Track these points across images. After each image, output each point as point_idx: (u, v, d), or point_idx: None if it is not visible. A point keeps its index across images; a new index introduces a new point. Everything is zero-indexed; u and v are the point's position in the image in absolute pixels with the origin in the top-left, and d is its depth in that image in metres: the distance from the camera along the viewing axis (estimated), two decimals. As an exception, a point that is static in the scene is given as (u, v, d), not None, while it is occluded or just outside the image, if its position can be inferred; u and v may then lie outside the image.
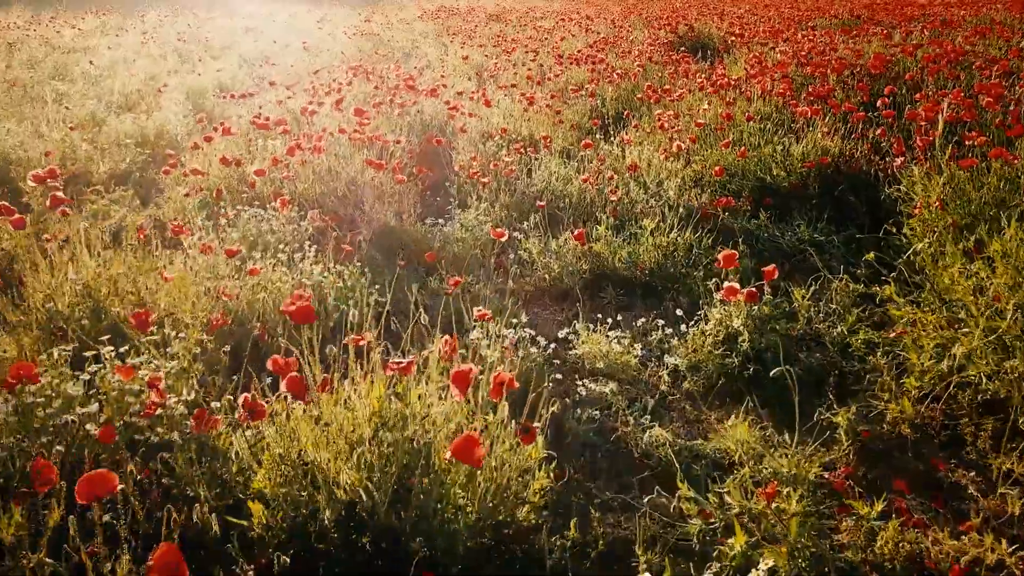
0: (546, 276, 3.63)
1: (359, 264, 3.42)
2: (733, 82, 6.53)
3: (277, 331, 2.75)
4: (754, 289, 2.97)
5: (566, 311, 3.48)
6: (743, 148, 4.69)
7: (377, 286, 3.19)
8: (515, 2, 26.06)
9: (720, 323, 2.90)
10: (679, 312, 3.28)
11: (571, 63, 8.76)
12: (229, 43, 13.68)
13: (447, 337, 2.06)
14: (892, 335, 3.12)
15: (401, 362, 1.66)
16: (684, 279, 3.58)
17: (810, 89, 5.66)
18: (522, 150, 5.10)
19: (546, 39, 13.47)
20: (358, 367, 1.89)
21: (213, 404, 2.07)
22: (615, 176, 4.51)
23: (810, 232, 4.19)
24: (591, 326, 3.08)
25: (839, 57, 6.53)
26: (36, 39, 11.87)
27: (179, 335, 2.38)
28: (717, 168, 4.56)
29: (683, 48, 9.82)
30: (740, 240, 3.96)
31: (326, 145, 4.28)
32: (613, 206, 4.24)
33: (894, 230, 3.82)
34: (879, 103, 5.02)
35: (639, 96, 6.68)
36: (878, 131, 4.70)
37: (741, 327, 2.85)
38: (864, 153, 4.66)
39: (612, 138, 6.39)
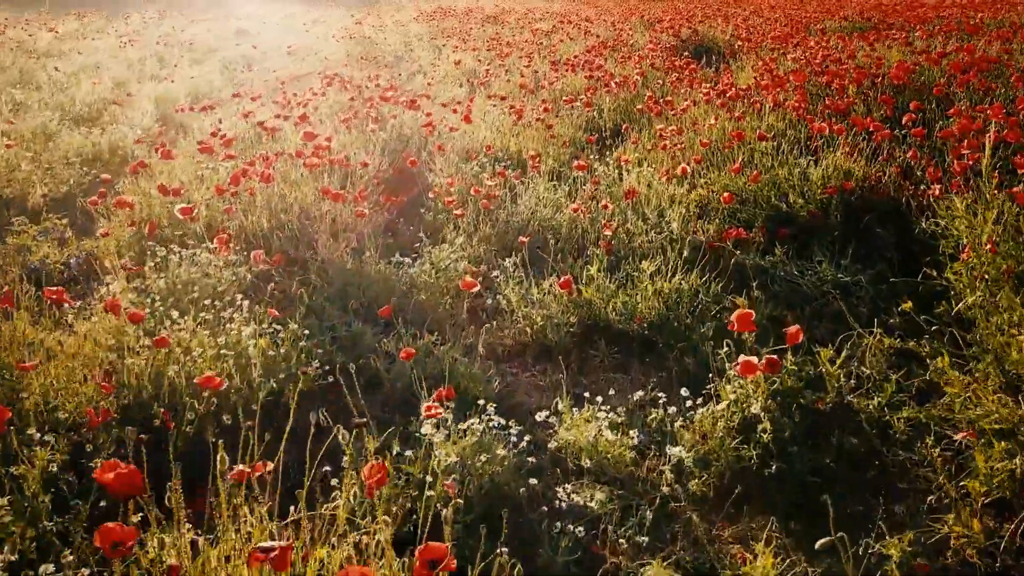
0: (527, 329, 3.10)
1: (304, 318, 2.89)
2: (741, 92, 5.99)
3: (187, 418, 2.21)
4: (774, 357, 2.43)
5: (550, 374, 2.94)
6: (755, 172, 4.15)
7: (321, 350, 2.65)
8: (515, 3, 25.52)
9: (735, 403, 2.36)
10: (685, 380, 2.75)
11: (567, 70, 8.23)
12: (215, 46, 13.17)
13: (374, 463, 1.53)
14: (942, 412, 2.59)
15: (271, 549, 1.12)
16: (689, 334, 3.04)
17: (827, 102, 5.11)
18: (507, 172, 4.56)
19: (543, 43, 12.94)
20: (231, 517, 1.35)
21: None
22: (610, 206, 3.97)
23: (833, 271, 3.65)
24: (578, 403, 2.54)
25: (858, 66, 5.99)
26: (9, 43, 11.35)
27: (43, 437, 1.85)
28: (726, 195, 4.02)
29: (686, 53, 9.28)
30: (753, 283, 3.42)
31: (281, 170, 3.75)
32: (608, 240, 3.70)
33: (934, 273, 3.28)
34: (906, 119, 4.47)
35: (639, 107, 6.15)
36: (908, 153, 4.15)
37: (760, 411, 2.31)
38: (892, 177, 4.11)
39: (610, 154, 5.85)
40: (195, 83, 8.91)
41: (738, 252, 3.79)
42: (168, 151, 3.76)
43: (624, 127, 5.85)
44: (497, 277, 3.42)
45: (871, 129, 4.37)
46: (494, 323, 3.16)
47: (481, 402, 2.28)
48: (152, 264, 3.08)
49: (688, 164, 4.42)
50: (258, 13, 20.07)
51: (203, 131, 5.50)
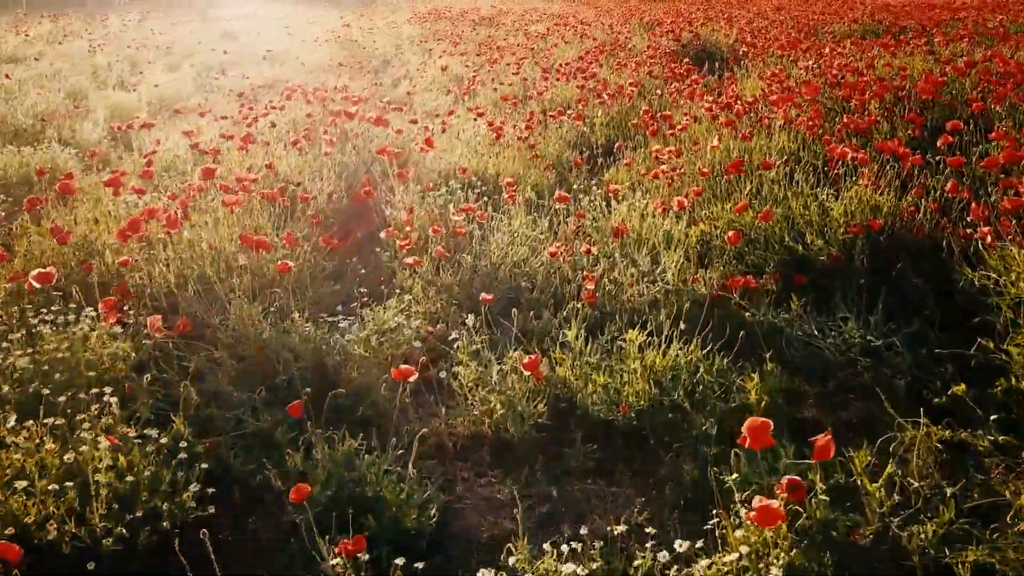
0: (484, 419, 2.48)
1: (198, 409, 2.28)
2: (748, 105, 5.37)
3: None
4: (798, 481, 1.82)
5: (510, 480, 2.33)
6: (766, 209, 3.52)
7: (206, 464, 2.04)
8: (514, 4, 24.90)
9: (748, 556, 1.74)
10: (681, 498, 2.14)
11: (559, 77, 7.62)
12: (194, 50, 12.56)
13: None
14: (1016, 545, 1.98)
15: None
16: (688, 428, 2.42)
17: (845, 120, 4.50)
18: (479, 203, 3.95)
19: (537, 46, 12.32)
20: None
21: None
22: (594, 249, 3.35)
23: (861, 330, 3.03)
24: (543, 529, 1.93)
25: (879, 77, 5.37)
26: (-27, 47, 10.78)
27: None
28: (731, 233, 3.38)
29: (687, 59, 8.66)
30: (765, 348, 2.80)
31: (202, 206, 3.14)
32: (591, 292, 3.08)
33: (990, 345, 2.66)
34: (940, 142, 3.85)
35: (634, 123, 5.53)
36: (946, 184, 3.53)
37: (782, 574, 1.69)
38: (929, 214, 3.49)
39: (601, 175, 5.25)
40: (161, 91, 8.31)
41: (746, 305, 3.17)
42: (67, 184, 3.14)
43: (617, 145, 5.24)
44: (456, 342, 2.81)
45: (899, 154, 3.75)
46: (443, 409, 2.54)
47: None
48: (19, 337, 2.47)
49: (687, 195, 3.80)
50: (251, 14, 19.48)
51: (145, 150, 4.89)
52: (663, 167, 4.31)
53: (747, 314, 3.15)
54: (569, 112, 5.99)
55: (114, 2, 18.36)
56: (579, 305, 3.10)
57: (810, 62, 6.30)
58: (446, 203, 3.98)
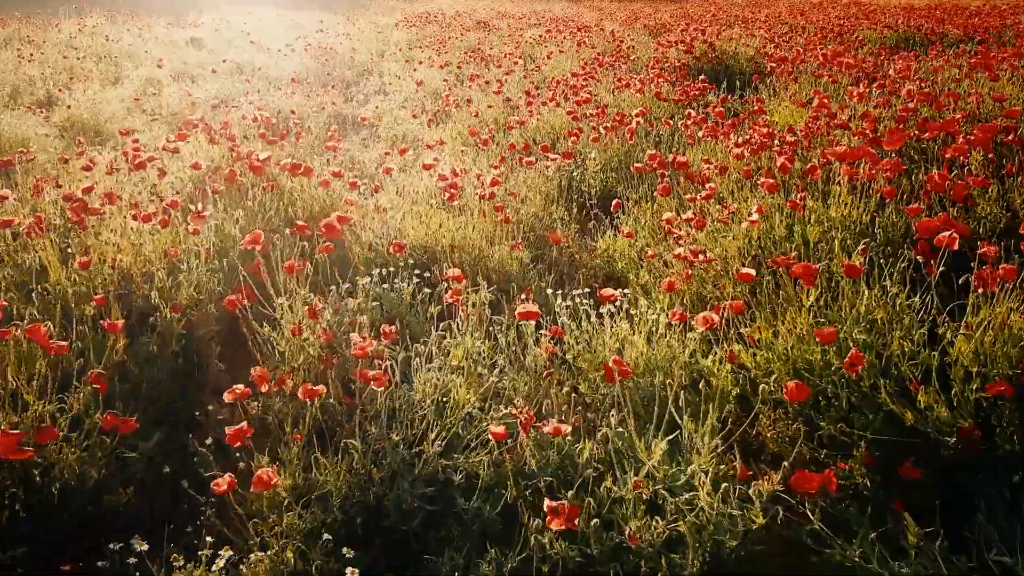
0: None
1: None
2: (789, 145, 4.06)
3: None
4: None
5: None
6: (853, 353, 2.18)
7: None
8: (514, 6, 23.56)
9: None
10: None
11: (549, 99, 6.29)
12: (145, 60, 11.27)
13: None
14: None
15: None
16: None
17: (936, 179, 3.16)
18: (419, 295, 2.63)
19: (529, 54, 11.00)
20: None
21: None
22: (566, 428, 2.02)
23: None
24: None
25: (963, 109, 4.04)
26: None
27: None
28: (793, 385, 2.04)
29: (701, 75, 7.33)
30: None
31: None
32: (563, 520, 1.76)
33: None
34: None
35: (638, 166, 4.20)
36: None
37: None
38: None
39: (594, 238, 3.94)
40: (79, 113, 7.00)
41: (826, 533, 1.84)
42: None
43: (615, 204, 3.90)
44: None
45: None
46: None
47: None
48: None
49: (720, 305, 2.48)
50: (228, 19, 18.17)
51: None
52: (679, 250, 2.99)
53: (830, 555, 1.83)
54: (554, 153, 4.67)
55: (83, 5, 17.08)
56: (544, 540, 1.78)
57: (861, 85, 4.95)
58: (356, 314, 2.66)
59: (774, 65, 6.42)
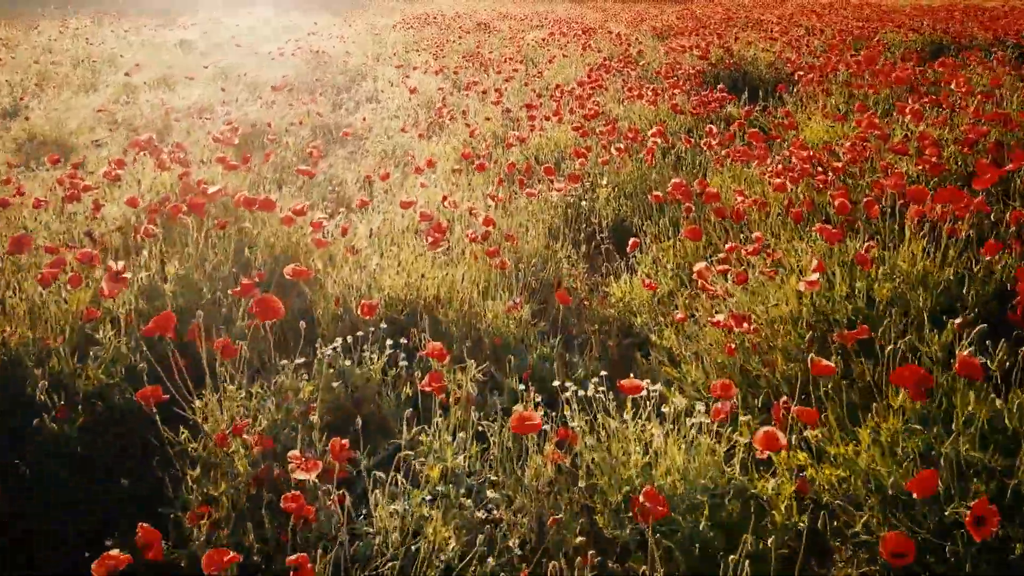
0: None
1: None
2: (833, 170, 3.46)
3: None
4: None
5: None
6: (976, 506, 1.57)
7: None
8: (514, 7, 22.94)
9: None
10: None
11: (553, 112, 5.69)
12: (132, 64, 10.68)
13: None
14: None
15: None
16: None
17: (1016, 214, 2.57)
18: (396, 367, 2.03)
19: (531, 57, 10.41)
20: None
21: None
22: None
23: None
24: None
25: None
26: None
27: None
28: (891, 539, 1.43)
29: (718, 82, 6.73)
30: None
31: None
32: None
33: None
34: None
35: (657, 195, 3.60)
36: None
37: None
38: None
39: (605, 279, 3.34)
40: (41, 124, 6.42)
41: None
42: None
43: (632, 243, 3.30)
44: None
45: None
46: None
47: None
48: None
49: (786, 410, 1.88)
50: (223, 20, 17.58)
51: None
52: (717, 315, 2.39)
53: None
54: (559, 176, 4.08)
55: (68, 5, 16.49)
56: None
57: (911, 100, 4.34)
58: (309, 402, 2.06)
59: (802, 74, 5.81)
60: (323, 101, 8.32)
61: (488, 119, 5.94)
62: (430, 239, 2.87)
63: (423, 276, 2.90)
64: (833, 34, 10.51)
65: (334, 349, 2.41)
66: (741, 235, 3.22)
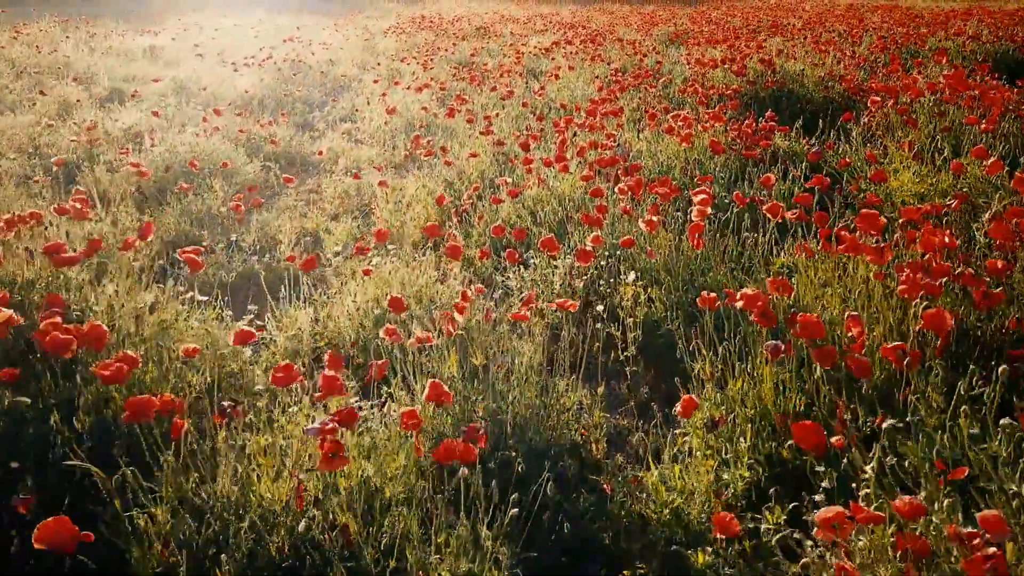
0: None
1: None
2: (995, 271, 2.22)
3: None
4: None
5: None
6: None
7: None
8: (517, 8, 21.66)
9: None
10: None
11: (555, 157, 4.44)
12: (86, 75, 9.47)
13: None
14: None
15: None
16: None
17: None
18: None
19: (532, 68, 9.16)
20: None
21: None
22: None
23: None
24: None
25: None
26: None
27: None
28: None
29: (763, 106, 5.47)
30: None
31: None
32: None
33: None
34: None
35: (710, 299, 2.33)
36: None
37: None
38: None
39: (633, 449, 2.10)
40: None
41: None
42: None
43: (682, 402, 2.04)
44: None
45: None
46: None
47: None
48: None
49: None
50: (202, 23, 16.35)
51: None
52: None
53: None
54: (565, 250, 2.84)
55: (65, 9, 15.28)
56: None
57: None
58: None
59: (877, 99, 4.52)
60: (286, 123, 7.08)
61: (474, 155, 4.69)
62: (324, 443, 1.59)
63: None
64: (874, 40, 9.23)
65: None
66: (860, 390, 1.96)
